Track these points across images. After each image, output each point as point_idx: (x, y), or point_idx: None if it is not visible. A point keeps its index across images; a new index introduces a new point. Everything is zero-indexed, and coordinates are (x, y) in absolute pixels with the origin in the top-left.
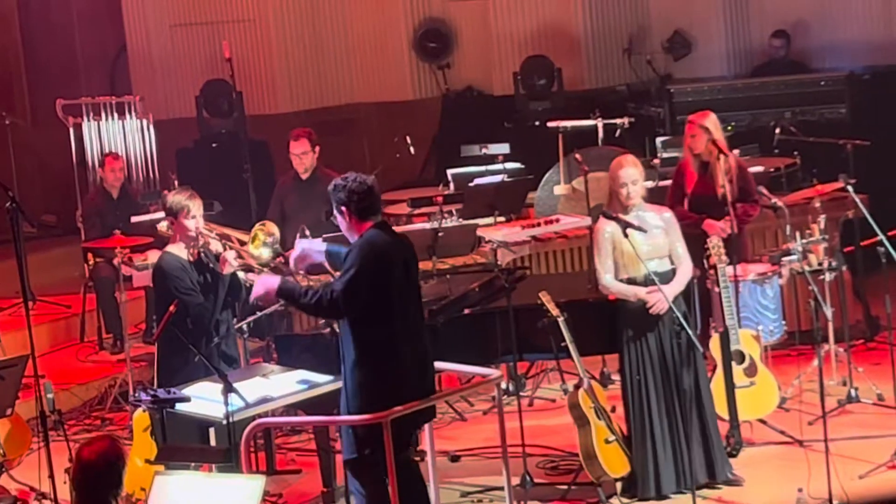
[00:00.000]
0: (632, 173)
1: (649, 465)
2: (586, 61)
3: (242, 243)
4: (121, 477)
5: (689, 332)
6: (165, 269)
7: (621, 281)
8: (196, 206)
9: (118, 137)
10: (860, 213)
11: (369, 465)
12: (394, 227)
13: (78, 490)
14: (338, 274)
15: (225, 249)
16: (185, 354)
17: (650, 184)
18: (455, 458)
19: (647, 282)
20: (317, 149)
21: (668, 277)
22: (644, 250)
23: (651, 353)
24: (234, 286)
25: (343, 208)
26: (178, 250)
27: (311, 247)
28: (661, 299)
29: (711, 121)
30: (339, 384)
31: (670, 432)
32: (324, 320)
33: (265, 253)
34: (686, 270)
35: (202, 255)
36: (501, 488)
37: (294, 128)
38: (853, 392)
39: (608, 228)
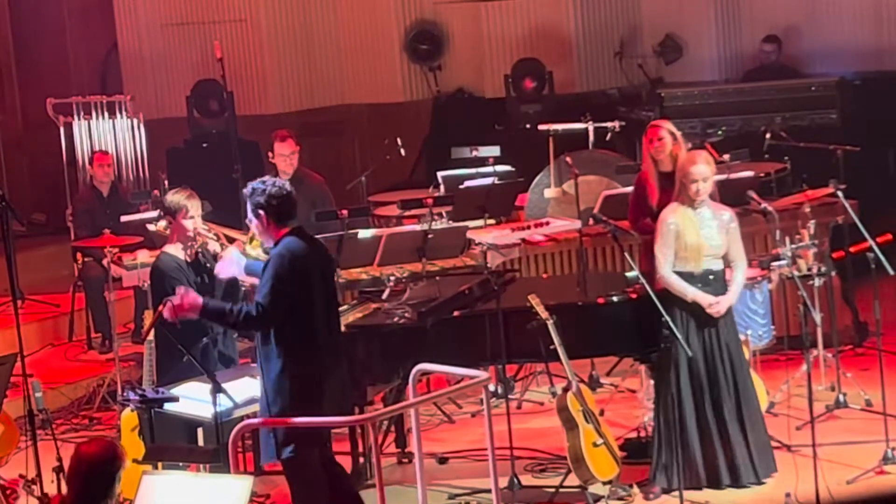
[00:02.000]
0: (703, 170)
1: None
2: (577, 64)
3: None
4: (114, 479)
5: (678, 336)
6: (162, 268)
7: (676, 273)
8: (194, 206)
9: (109, 136)
10: (850, 219)
11: (295, 466)
12: (383, 228)
13: (72, 486)
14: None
15: (222, 249)
16: (180, 354)
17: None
18: (443, 461)
19: (705, 277)
20: (297, 149)
21: (720, 276)
22: (707, 248)
23: (694, 348)
24: (231, 287)
25: (261, 212)
26: (176, 250)
27: (234, 258)
28: (721, 304)
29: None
30: None
31: (698, 432)
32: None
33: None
34: (742, 274)
35: (200, 255)
36: (489, 491)
37: (284, 128)
38: (841, 397)
39: (672, 219)
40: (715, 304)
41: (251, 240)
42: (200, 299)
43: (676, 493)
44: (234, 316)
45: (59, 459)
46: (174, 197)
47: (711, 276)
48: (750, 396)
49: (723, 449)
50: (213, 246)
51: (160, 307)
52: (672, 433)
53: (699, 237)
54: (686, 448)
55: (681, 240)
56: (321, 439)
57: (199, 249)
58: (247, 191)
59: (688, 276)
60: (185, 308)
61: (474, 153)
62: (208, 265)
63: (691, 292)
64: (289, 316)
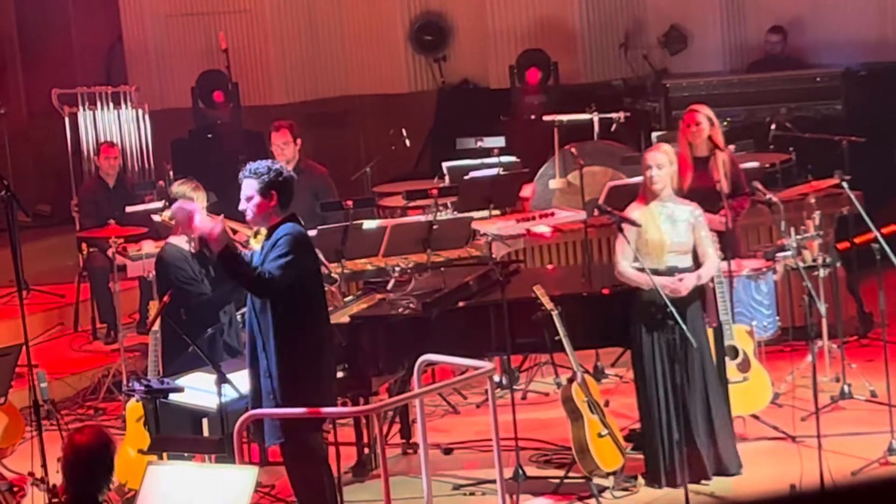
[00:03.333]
0: (655, 157)
1: (659, 457)
2: (582, 55)
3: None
4: (112, 463)
5: (683, 327)
6: (167, 259)
7: (640, 271)
8: (200, 198)
9: (114, 127)
10: (855, 210)
11: (296, 447)
12: (388, 219)
13: (71, 475)
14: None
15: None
16: (186, 344)
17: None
18: (448, 451)
19: (670, 274)
20: (298, 141)
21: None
22: (668, 243)
23: (660, 345)
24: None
25: (273, 192)
26: (181, 241)
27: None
28: (680, 284)
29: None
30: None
31: (678, 425)
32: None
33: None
34: (711, 266)
35: (204, 246)
36: (494, 481)
37: (289, 119)
38: (846, 388)
39: (635, 215)
40: (673, 284)
41: (256, 234)
42: (227, 238)
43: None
44: (250, 269)
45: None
46: (180, 188)
47: (677, 274)
48: (718, 398)
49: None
50: None
51: (165, 297)
52: (656, 427)
53: (660, 232)
54: (671, 444)
55: (642, 236)
56: (321, 424)
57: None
58: (247, 170)
59: (652, 273)
60: (214, 238)
61: (479, 144)
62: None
63: (644, 280)
64: (294, 296)
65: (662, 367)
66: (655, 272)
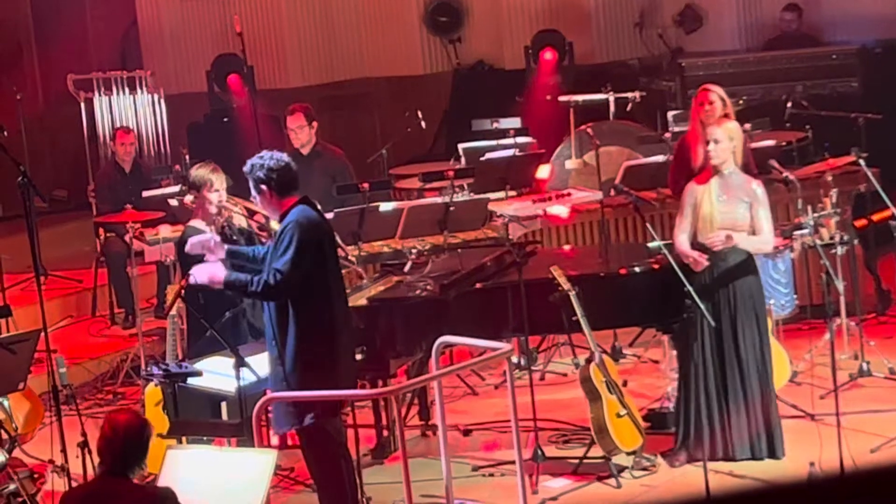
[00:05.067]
0: (715, 131)
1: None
2: (597, 35)
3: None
4: (148, 445)
5: (701, 306)
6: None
7: (696, 246)
8: (219, 180)
9: (129, 112)
10: (872, 187)
11: (313, 433)
12: (404, 201)
13: (107, 449)
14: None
15: (248, 223)
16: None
17: (661, 158)
18: (467, 433)
19: (719, 250)
20: (314, 124)
21: (739, 252)
22: (718, 218)
23: (703, 323)
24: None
25: (263, 187)
26: (201, 224)
27: (210, 245)
28: (701, 258)
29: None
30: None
31: (718, 403)
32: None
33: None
34: (763, 239)
35: (225, 228)
36: (513, 462)
37: (304, 102)
38: (865, 366)
39: (692, 187)
40: (697, 256)
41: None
42: (223, 274)
43: (699, 463)
44: (255, 286)
45: (84, 435)
46: (199, 171)
47: (728, 250)
48: (767, 374)
49: (742, 422)
50: (239, 220)
51: (182, 281)
52: (693, 405)
53: (712, 208)
54: (710, 420)
55: (697, 210)
56: (339, 408)
57: (225, 223)
58: (246, 168)
59: (705, 249)
60: (207, 282)
61: (495, 125)
62: (234, 238)
63: (693, 255)
64: (306, 283)
65: (703, 343)
66: (705, 248)
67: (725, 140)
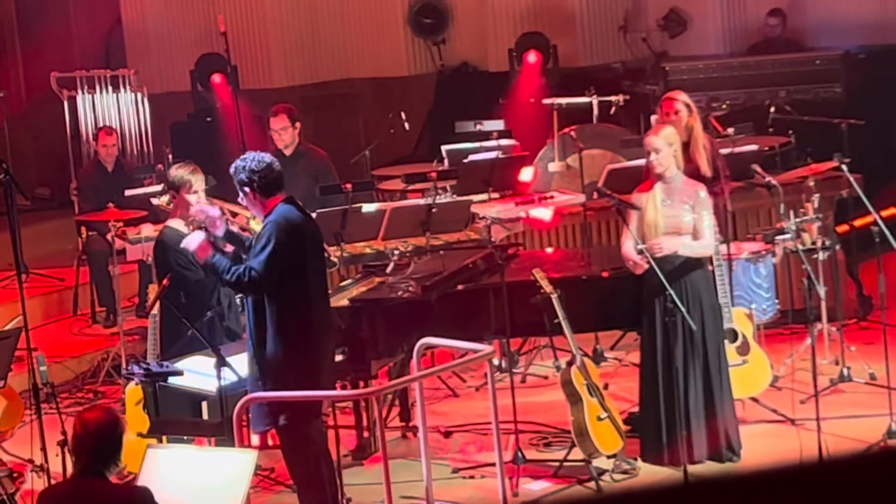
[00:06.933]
0: (653, 141)
1: (655, 434)
2: (582, 38)
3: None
4: (121, 441)
5: (682, 310)
6: (166, 242)
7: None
8: (198, 181)
9: (112, 110)
10: (854, 193)
11: (293, 433)
12: (387, 202)
13: (79, 449)
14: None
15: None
16: (185, 327)
17: (644, 161)
18: (447, 434)
19: (665, 256)
20: (297, 124)
21: (685, 258)
22: (662, 223)
23: (662, 327)
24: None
25: (246, 189)
26: (179, 225)
27: (215, 218)
28: (659, 242)
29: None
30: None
31: (676, 406)
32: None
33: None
34: (701, 244)
35: (203, 229)
36: (493, 464)
37: (288, 102)
38: (845, 371)
39: (637, 196)
40: (653, 244)
41: (255, 216)
42: (210, 251)
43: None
44: (229, 274)
45: (64, 433)
46: (178, 171)
47: (674, 255)
48: (723, 377)
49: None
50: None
51: (164, 281)
52: (656, 407)
53: (657, 213)
54: (671, 425)
55: (643, 218)
56: (318, 410)
57: (203, 224)
58: (231, 171)
59: (651, 255)
60: (193, 251)
61: (478, 127)
62: (211, 239)
63: (633, 255)
64: (284, 283)
65: (663, 348)
66: (653, 254)
67: (665, 147)
